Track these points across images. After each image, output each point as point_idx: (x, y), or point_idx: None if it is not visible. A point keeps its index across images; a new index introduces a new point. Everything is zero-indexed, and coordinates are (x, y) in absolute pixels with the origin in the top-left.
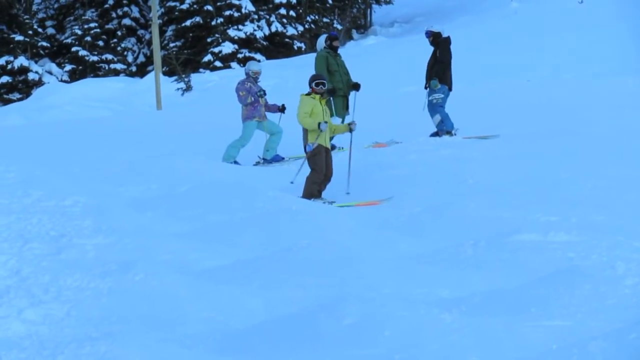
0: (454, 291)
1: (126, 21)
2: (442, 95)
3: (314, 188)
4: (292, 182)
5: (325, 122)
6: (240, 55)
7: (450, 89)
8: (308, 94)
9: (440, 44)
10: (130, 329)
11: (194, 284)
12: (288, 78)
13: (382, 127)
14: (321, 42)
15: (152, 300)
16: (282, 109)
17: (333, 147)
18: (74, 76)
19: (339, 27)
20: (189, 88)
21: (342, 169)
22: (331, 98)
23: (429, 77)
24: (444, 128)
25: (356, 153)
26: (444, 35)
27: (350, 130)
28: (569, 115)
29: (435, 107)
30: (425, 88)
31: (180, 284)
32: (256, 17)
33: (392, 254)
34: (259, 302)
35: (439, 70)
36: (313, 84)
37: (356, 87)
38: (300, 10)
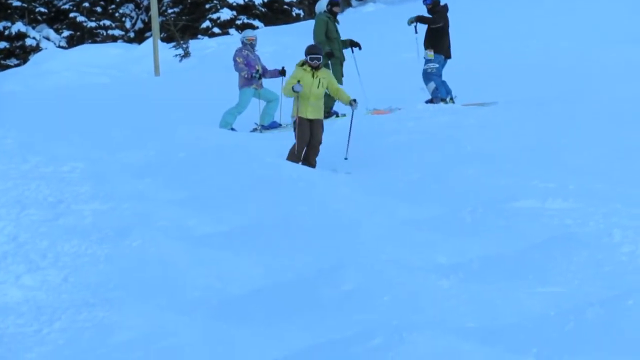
0: (452, 257)
1: None
2: (437, 65)
3: (292, 159)
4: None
5: (299, 83)
6: (238, 22)
7: (448, 57)
8: (302, 65)
9: (434, 11)
10: (128, 295)
11: (192, 250)
12: (287, 45)
13: (382, 93)
14: (322, 5)
15: (150, 267)
16: (282, 72)
17: (334, 113)
18: (72, 42)
19: None
20: (187, 54)
21: (343, 136)
22: (330, 64)
23: (425, 46)
24: (438, 95)
25: (355, 119)
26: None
27: (352, 106)
28: (568, 83)
29: (430, 76)
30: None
31: (178, 250)
32: None
33: (390, 220)
34: (258, 269)
35: (433, 39)
36: (308, 57)
37: (356, 44)
38: None
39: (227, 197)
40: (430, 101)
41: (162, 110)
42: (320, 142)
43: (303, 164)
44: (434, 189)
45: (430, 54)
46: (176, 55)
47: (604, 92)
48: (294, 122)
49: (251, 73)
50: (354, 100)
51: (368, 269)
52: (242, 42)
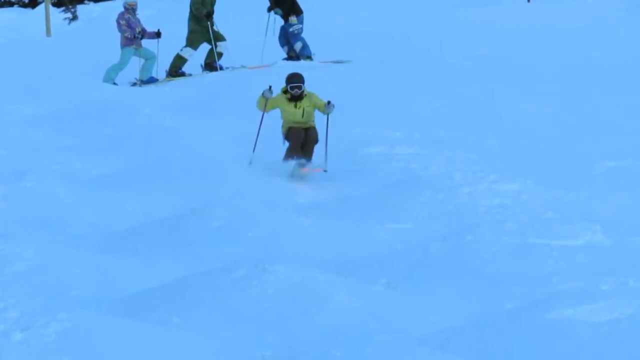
0: (310, 198)
1: None
2: (301, 25)
3: (288, 155)
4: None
5: (269, 89)
6: None
7: (301, 12)
8: (285, 92)
9: None
10: (23, 230)
11: (79, 191)
12: (163, 9)
13: (252, 51)
14: None
15: (42, 205)
16: (158, 34)
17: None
18: None
19: None
20: (75, 18)
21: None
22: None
23: (284, 9)
24: (304, 53)
25: (226, 74)
26: None
27: (327, 112)
28: (412, 46)
29: (297, 37)
30: (283, 18)
31: (67, 190)
32: None
33: (255, 165)
34: (138, 207)
35: (290, 6)
36: (288, 87)
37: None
38: None
39: (110, 144)
40: (289, 58)
41: (53, 68)
42: (316, 141)
43: (301, 155)
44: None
45: (294, 19)
46: (65, 19)
47: (445, 51)
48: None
49: (133, 34)
50: (329, 103)
51: (235, 207)
52: (124, 7)
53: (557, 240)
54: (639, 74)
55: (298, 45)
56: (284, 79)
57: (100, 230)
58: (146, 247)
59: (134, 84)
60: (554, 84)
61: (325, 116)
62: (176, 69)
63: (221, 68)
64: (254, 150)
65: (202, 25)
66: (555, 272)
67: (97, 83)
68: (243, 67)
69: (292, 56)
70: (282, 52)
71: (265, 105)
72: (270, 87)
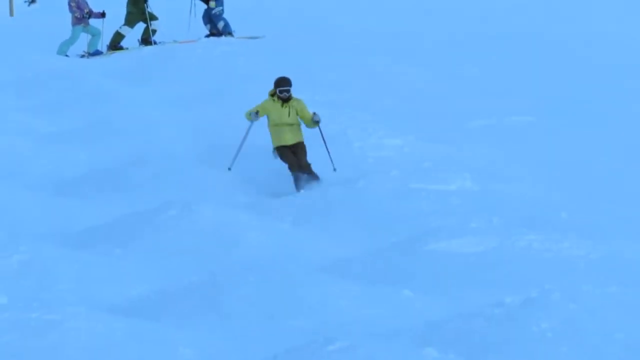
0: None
1: None
2: (222, 7)
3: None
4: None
5: (257, 114)
6: None
7: None
8: (272, 94)
9: None
10: None
11: (35, 145)
12: None
13: (177, 27)
14: None
15: (3, 156)
16: (103, 15)
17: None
18: None
19: None
20: (34, 1)
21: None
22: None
23: (206, 2)
24: (226, 30)
25: (159, 48)
26: None
27: (316, 122)
28: (329, 23)
29: (219, 17)
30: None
31: (26, 144)
32: None
33: (183, 122)
34: (85, 158)
35: None
36: (277, 90)
37: None
38: None
39: (62, 106)
40: (211, 34)
41: (15, 43)
42: (309, 165)
43: (303, 172)
44: (215, 101)
45: (213, 3)
46: (25, 1)
47: (353, 29)
48: (274, 151)
49: (82, 14)
50: (314, 114)
51: (165, 158)
52: None
53: (433, 185)
54: (507, 45)
55: (221, 24)
56: (272, 83)
57: (54, 178)
58: (92, 191)
59: (82, 56)
60: (435, 55)
61: (317, 128)
62: (115, 44)
63: (155, 43)
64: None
65: (138, 7)
66: (431, 212)
67: (52, 55)
68: (175, 42)
69: (214, 33)
70: (206, 30)
71: (257, 114)
72: (257, 111)
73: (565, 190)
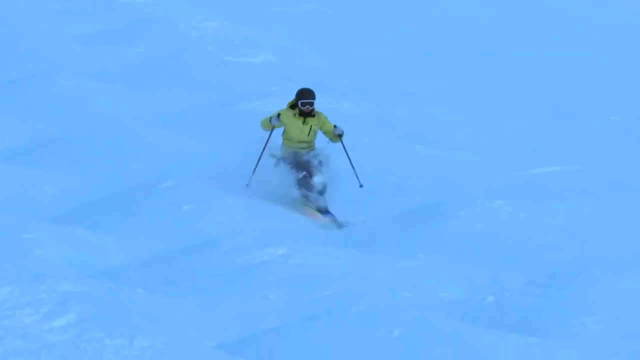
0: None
1: None
2: None
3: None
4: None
5: (278, 116)
6: None
7: None
8: (291, 107)
9: None
10: None
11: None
12: None
13: None
14: None
15: None
16: None
17: None
18: None
19: None
20: None
21: None
22: None
23: None
24: None
25: None
26: None
27: (339, 137)
28: None
29: None
30: None
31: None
32: None
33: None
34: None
35: None
36: (299, 103)
37: None
38: None
39: None
40: None
41: None
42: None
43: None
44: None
45: None
46: None
47: None
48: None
49: None
50: (335, 127)
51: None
52: None
53: (242, 58)
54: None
55: None
56: (294, 94)
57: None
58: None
59: None
60: None
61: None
62: None
63: None
64: (253, 172)
65: None
66: (241, 79)
67: None
68: None
69: None
70: None
71: (279, 118)
72: (279, 114)
73: (347, 62)
